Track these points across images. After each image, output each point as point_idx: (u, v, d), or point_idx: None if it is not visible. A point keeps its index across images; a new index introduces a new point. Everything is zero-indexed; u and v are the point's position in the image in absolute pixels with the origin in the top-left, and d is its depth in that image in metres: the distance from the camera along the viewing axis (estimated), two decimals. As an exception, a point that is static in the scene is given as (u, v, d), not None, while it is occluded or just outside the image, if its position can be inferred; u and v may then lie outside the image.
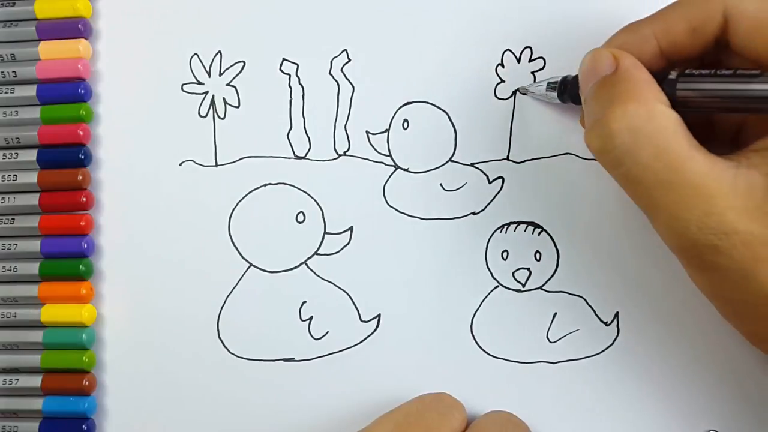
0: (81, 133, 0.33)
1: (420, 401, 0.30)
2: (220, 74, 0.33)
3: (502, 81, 0.31)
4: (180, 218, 0.33)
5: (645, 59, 0.26)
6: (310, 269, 0.32)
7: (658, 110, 0.24)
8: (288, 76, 0.33)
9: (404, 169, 0.32)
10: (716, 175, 0.24)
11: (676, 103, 0.25)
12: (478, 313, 0.31)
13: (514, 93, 0.31)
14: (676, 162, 0.24)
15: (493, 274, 0.31)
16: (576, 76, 0.28)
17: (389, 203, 0.32)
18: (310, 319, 0.32)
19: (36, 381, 0.33)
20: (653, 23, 0.26)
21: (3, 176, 0.33)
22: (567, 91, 0.29)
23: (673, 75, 0.25)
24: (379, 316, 0.32)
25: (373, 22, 0.32)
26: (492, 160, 0.31)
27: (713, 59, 0.27)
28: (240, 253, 0.33)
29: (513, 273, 0.31)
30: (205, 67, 0.33)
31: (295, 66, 0.33)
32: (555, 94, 0.29)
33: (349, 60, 0.32)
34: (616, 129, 0.24)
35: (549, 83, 0.30)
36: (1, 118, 0.33)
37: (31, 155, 0.33)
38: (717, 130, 0.28)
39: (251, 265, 0.32)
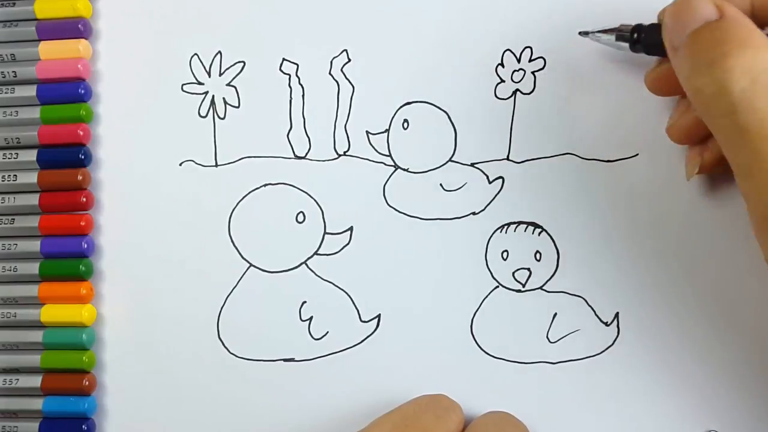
0: (81, 133, 0.33)
1: (417, 403, 0.30)
2: (220, 74, 0.33)
3: (502, 81, 0.31)
4: (180, 218, 0.33)
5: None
6: (310, 269, 0.32)
7: None
8: (288, 76, 0.33)
9: (404, 169, 0.32)
10: None
11: None
12: (478, 313, 0.31)
13: (514, 93, 0.31)
14: None
15: (493, 274, 0.31)
16: (653, 24, 0.27)
17: (389, 203, 0.32)
18: (310, 319, 0.32)
19: (36, 381, 0.33)
20: None
21: (3, 176, 0.33)
22: (642, 39, 0.28)
23: None
24: (379, 316, 0.32)
25: (373, 22, 0.32)
26: (492, 160, 0.31)
27: None
28: (240, 253, 0.33)
29: (513, 273, 0.31)
30: (205, 67, 0.33)
31: (295, 66, 0.33)
32: (625, 44, 0.28)
33: (349, 60, 0.32)
34: (736, 75, 0.23)
35: (618, 31, 0.28)
36: (1, 118, 0.33)
37: (31, 155, 0.33)
38: None
39: (251, 265, 0.32)
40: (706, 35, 0.25)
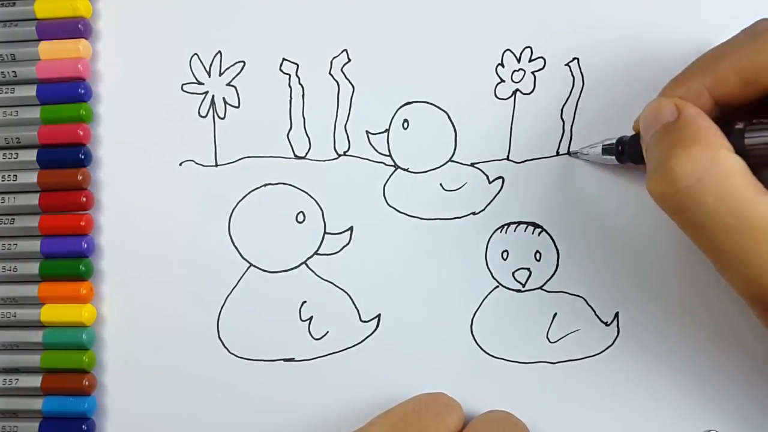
0: (81, 133, 0.33)
1: (416, 401, 0.30)
2: (220, 74, 0.33)
3: (502, 81, 0.31)
4: (180, 218, 0.33)
5: None
6: (310, 269, 0.32)
7: (722, 155, 0.24)
8: (288, 76, 0.33)
9: (404, 169, 0.32)
10: None
11: (745, 154, 0.24)
12: (478, 313, 0.31)
13: (514, 93, 0.31)
14: (742, 206, 0.23)
15: (493, 274, 0.31)
16: (634, 135, 0.28)
17: (389, 203, 0.32)
18: (310, 319, 0.32)
19: (36, 381, 0.33)
20: (703, 76, 0.26)
21: (3, 176, 0.33)
22: (626, 150, 0.28)
23: (740, 125, 0.25)
24: (379, 316, 0.32)
25: (373, 22, 0.32)
26: (492, 160, 0.31)
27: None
28: (240, 253, 0.33)
29: (513, 273, 0.31)
30: (205, 67, 0.33)
31: (295, 66, 0.33)
32: (612, 157, 0.29)
33: (349, 60, 0.32)
34: (680, 173, 0.24)
35: (604, 146, 0.29)
36: (1, 118, 0.33)
37: (31, 155, 0.33)
38: None
39: (251, 265, 0.32)
40: (662, 137, 0.25)
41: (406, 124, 0.32)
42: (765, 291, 0.24)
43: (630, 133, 0.29)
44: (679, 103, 0.26)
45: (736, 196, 0.23)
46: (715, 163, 0.24)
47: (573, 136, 0.31)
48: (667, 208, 0.25)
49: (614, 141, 0.29)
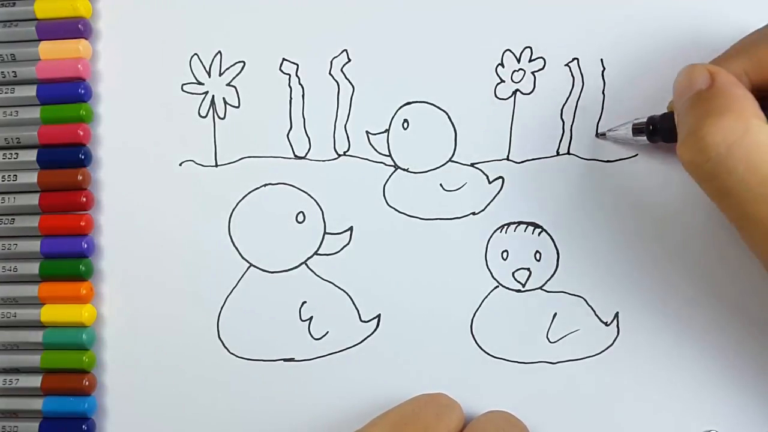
0: (81, 133, 0.33)
1: (416, 401, 0.30)
2: (220, 74, 0.33)
3: (502, 81, 0.31)
4: (180, 218, 0.33)
5: None
6: (310, 269, 0.32)
7: (754, 125, 0.24)
8: (288, 76, 0.33)
9: (404, 169, 0.32)
10: None
11: None
12: (478, 313, 0.31)
13: (514, 93, 0.31)
14: None
15: (493, 274, 0.31)
16: (666, 113, 0.28)
17: (389, 203, 0.32)
18: (310, 319, 0.32)
19: (36, 381, 0.33)
20: (743, 59, 0.26)
21: (3, 176, 0.33)
22: (658, 129, 0.28)
23: None
24: (379, 316, 0.32)
25: (373, 22, 0.32)
26: (492, 160, 0.31)
27: None
28: (240, 253, 0.33)
29: (513, 273, 0.31)
30: (205, 67, 0.33)
31: (295, 66, 0.33)
32: (643, 137, 0.29)
33: (349, 60, 0.32)
34: (711, 142, 0.24)
35: (634, 126, 0.29)
36: (1, 118, 0.33)
37: (31, 155, 0.33)
38: None
39: (251, 265, 0.32)
40: (694, 104, 0.25)
41: (406, 124, 0.32)
42: None
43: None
44: (713, 70, 0.26)
45: (765, 166, 0.24)
46: (746, 132, 0.24)
47: (573, 136, 0.31)
48: (696, 176, 0.25)
49: (644, 120, 0.29)
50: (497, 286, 0.31)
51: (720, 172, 0.24)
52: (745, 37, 0.27)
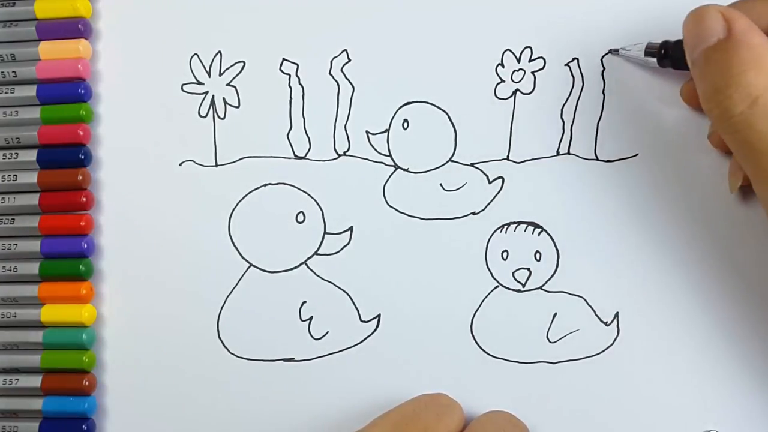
0: (81, 133, 0.33)
1: (416, 402, 0.30)
2: (220, 74, 0.33)
3: (502, 81, 0.31)
4: (180, 218, 0.33)
5: None
6: (310, 269, 0.32)
7: None
8: (288, 76, 0.33)
9: (404, 169, 0.32)
10: None
11: None
12: (478, 313, 0.31)
13: (514, 93, 0.31)
14: None
15: (493, 274, 0.31)
16: (678, 40, 0.28)
17: (389, 203, 0.32)
18: (310, 319, 0.32)
19: (36, 381, 0.33)
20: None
21: (3, 176, 0.33)
22: (669, 55, 0.28)
23: None
24: (379, 316, 0.32)
25: (373, 22, 0.32)
26: (492, 160, 0.31)
27: None
28: (240, 253, 0.33)
29: (513, 273, 0.31)
30: (205, 67, 0.33)
31: (295, 66, 0.33)
32: (653, 59, 0.29)
33: (349, 60, 0.32)
34: (736, 99, 0.24)
35: (647, 47, 0.29)
36: (1, 118, 0.33)
37: (31, 155, 0.33)
38: None
39: (251, 265, 0.32)
40: (714, 56, 0.25)
41: (406, 124, 0.32)
42: None
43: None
44: (728, 15, 0.25)
45: None
46: None
47: (573, 136, 0.31)
48: (721, 127, 0.26)
49: (658, 43, 0.29)
50: (497, 286, 0.31)
51: (741, 127, 0.25)
52: None
